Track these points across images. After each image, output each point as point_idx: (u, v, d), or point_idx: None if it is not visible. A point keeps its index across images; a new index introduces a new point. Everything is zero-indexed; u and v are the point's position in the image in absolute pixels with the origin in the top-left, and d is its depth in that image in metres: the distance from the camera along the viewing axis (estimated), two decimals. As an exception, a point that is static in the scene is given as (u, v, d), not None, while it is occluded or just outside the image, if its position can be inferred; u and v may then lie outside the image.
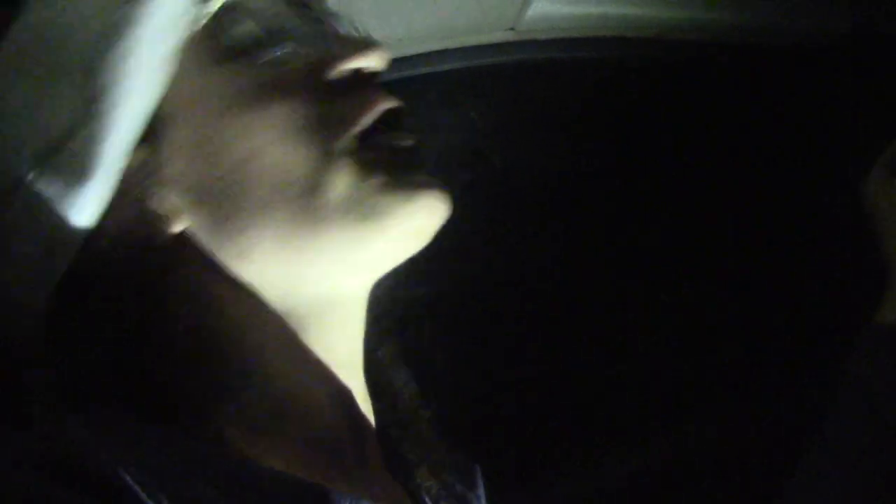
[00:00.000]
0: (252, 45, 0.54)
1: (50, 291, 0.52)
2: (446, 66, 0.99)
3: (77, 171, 0.50)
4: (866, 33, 0.88)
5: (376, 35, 0.61)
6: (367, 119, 0.54)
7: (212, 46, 0.54)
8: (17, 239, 0.51)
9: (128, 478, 0.41)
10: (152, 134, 0.52)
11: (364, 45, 0.56)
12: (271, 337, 0.55)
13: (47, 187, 0.50)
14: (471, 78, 0.99)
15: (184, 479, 0.45)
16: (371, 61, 0.57)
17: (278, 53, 0.55)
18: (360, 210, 0.53)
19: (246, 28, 0.55)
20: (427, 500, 0.64)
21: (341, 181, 0.53)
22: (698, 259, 0.93)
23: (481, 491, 0.72)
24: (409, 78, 0.97)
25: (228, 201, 0.52)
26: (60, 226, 0.50)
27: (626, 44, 0.98)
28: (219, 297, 0.54)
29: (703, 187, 0.93)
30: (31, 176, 0.50)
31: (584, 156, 0.96)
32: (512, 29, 0.98)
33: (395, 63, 0.89)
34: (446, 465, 0.70)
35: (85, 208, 0.50)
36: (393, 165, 0.54)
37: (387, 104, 0.55)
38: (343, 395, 0.60)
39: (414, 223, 0.55)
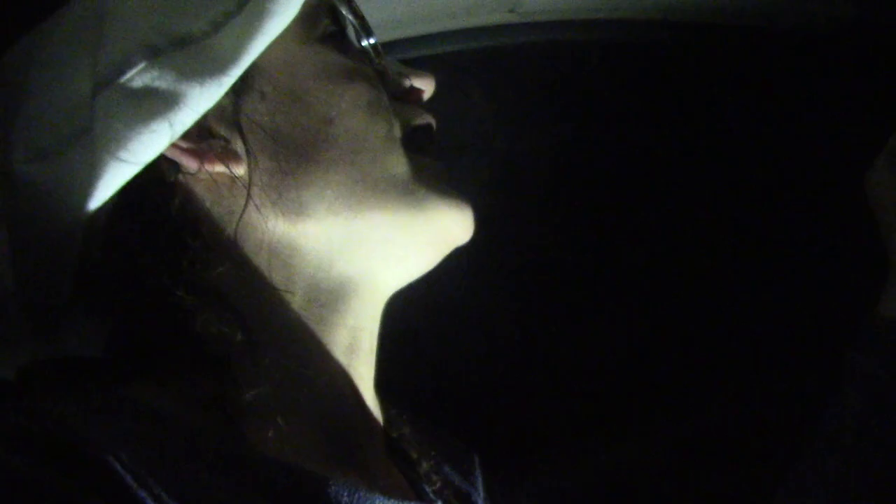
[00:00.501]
0: (345, 36, 0.62)
1: (108, 197, 0.53)
2: (447, 48, 0.98)
3: (211, 62, 0.53)
4: (869, 20, 0.87)
5: (377, 16, 0.66)
6: (419, 125, 0.62)
7: (312, 25, 0.60)
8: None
9: (117, 465, 0.41)
10: (242, 80, 0.55)
11: (424, 73, 0.65)
12: (302, 308, 0.57)
13: (176, 67, 0.52)
14: (472, 60, 0.98)
15: (178, 464, 0.45)
16: (428, 86, 0.65)
17: (366, 46, 0.63)
18: (414, 197, 0.59)
19: (343, 21, 0.62)
20: (429, 491, 0.64)
21: (402, 164, 0.59)
22: (698, 246, 0.92)
23: (479, 479, 0.73)
24: (409, 60, 0.96)
25: (300, 155, 0.56)
26: (167, 111, 0.52)
27: (628, 26, 0.97)
28: (261, 251, 0.56)
29: (704, 170, 0.93)
30: (142, 64, 0.52)
31: (587, 138, 0.95)
32: (512, 11, 0.97)
33: (396, 45, 0.89)
34: (446, 456, 0.71)
35: (193, 105, 0.52)
36: (440, 175, 0.62)
37: (433, 121, 0.64)
38: (355, 386, 0.60)
39: (451, 229, 0.61)
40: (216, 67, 0.53)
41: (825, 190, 0.88)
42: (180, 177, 0.55)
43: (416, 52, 0.97)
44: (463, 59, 0.98)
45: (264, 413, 0.52)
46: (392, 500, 0.54)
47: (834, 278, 0.86)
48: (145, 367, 0.54)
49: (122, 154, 0.52)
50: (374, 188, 0.58)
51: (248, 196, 0.55)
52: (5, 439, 0.41)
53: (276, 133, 0.56)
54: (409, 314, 0.66)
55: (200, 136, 0.55)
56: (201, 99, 0.53)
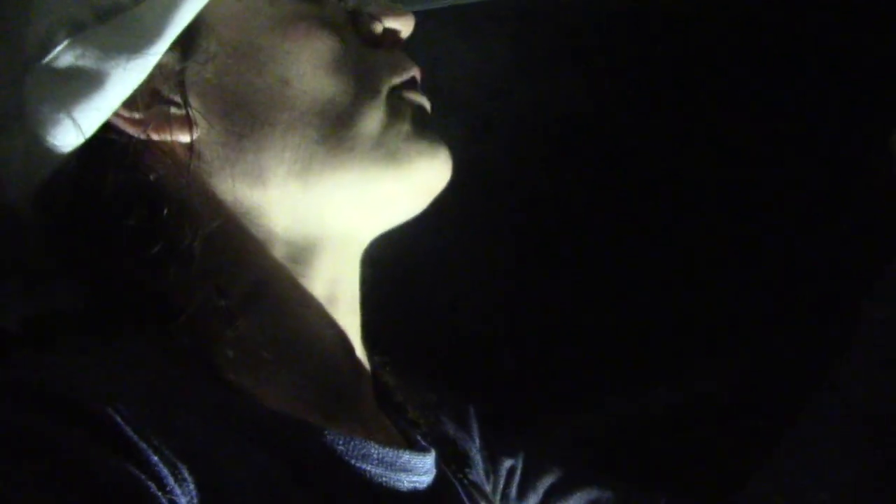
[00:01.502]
0: None
1: (60, 171, 0.53)
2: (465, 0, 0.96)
3: (136, 34, 0.50)
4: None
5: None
6: (400, 78, 0.58)
7: None
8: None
9: (117, 417, 0.41)
10: (188, 40, 0.53)
11: (400, 10, 0.60)
12: (275, 265, 0.56)
13: (101, 43, 0.50)
14: (490, 12, 0.96)
15: (175, 414, 0.45)
16: (404, 26, 0.60)
17: None
18: (385, 150, 0.56)
19: None
20: (419, 438, 0.64)
21: (373, 120, 0.55)
22: (709, 196, 0.90)
23: (475, 429, 0.73)
24: (427, 11, 0.94)
25: (253, 118, 0.54)
26: (93, 91, 0.50)
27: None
28: (225, 213, 0.55)
29: (716, 127, 0.89)
30: (66, 41, 0.50)
31: (603, 92, 0.93)
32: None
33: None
34: (441, 406, 0.71)
35: (119, 82, 0.50)
36: (416, 122, 0.58)
37: (415, 70, 0.59)
38: (342, 336, 0.60)
39: (427, 177, 0.58)
40: (141, 40, 0.51)
41: (842, 143, 0.84)
42: (134, 143, 0.53)
43: (435, 3, 0.95)
44: (482, 10, 0.96)
45: (252, 365, 0.52)
46: (387, 448, 0.54)
47: (851, 228, 0.83)
48: (130, 322, 0.53)
49: (52, 139, 0.51)
50: (337, 149, 0.55)
51: (191, 162, 0.53)
52: (3, 392, 0.41)
53: (225, 95, 0.53)
54: (401, 264, 0.66)
55: (150, 100, 0.53)
56: (127, 77, 0.50)
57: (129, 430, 0.41)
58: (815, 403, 0.74)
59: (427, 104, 0.60)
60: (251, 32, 0.54)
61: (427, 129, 0.59)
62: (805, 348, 0.84)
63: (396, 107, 0.57)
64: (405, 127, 0.57)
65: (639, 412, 0.90)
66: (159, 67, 0.52)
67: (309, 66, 0.55)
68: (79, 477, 0.38)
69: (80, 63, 0.50)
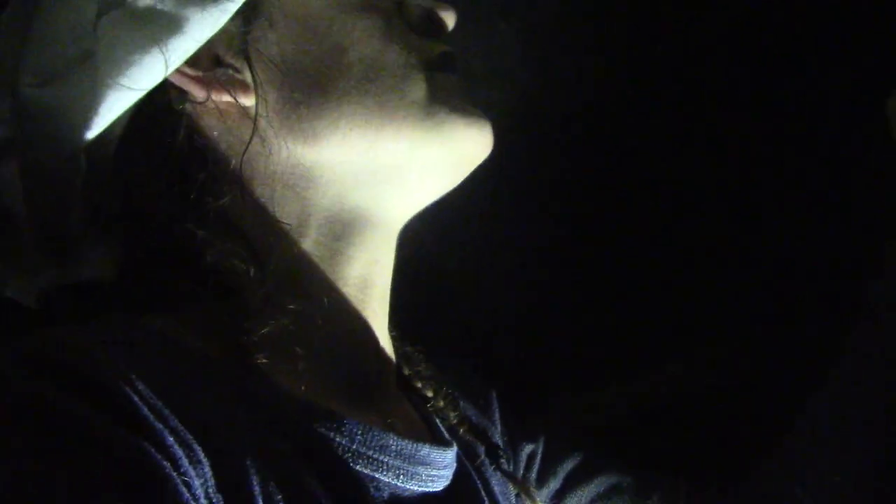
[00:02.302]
0: None
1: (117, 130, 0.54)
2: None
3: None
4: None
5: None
6: (443, 60, 0.60)
7: None
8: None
9: (132, 393, 0.41)
10: (250, 7, 0.54)
11: (445, 5, 0.63)
12: (315, 244, 0.56)
13: (159, 2, 0.51)
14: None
15: (195, 395, 0.45)
16: (448, 19, 0.63)
17: None
18: (434, 119, 0.57)
19: None
20: (443, 429, 0.63)
21: (421, 91, 0.57)
22: (721, 178, 0.89)
23: (496, 414, 0.73)
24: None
25: (312, 84, 0.55)
26: (170, 34, 0.51)
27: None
28: (275, 182, 0.55)
29: (725, 107, 0.88)
30: None
31: (616, 76, 0.91)
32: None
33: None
34: (463, 392, 0.70)
35: (197, 25, 0.51)
36: (462, 96, 0.60)
37: (449, 49, 0.61)
38: (370, 323, 0.60)
39: (471, 145, 0.59)
40: None
41: (845, 116, 0.83)
42: (188, 106, 0.54)
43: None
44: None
45: (278, 348, 0.51)
46: (406, 441, 0.54)
47: (859, 204, 0.83)
48: (159, 297, 0.54)
49: (123, 80, 0.51)
50: (390, 116, 0.56)
51: (255, 127, 0.54)
52: (24, 366, 0.41)
53: (286, 62, 0.55)
54: (425, 249, 0.65)
55: (210, 64, 0.54)
56: (202, 26, 0.52)
57: (144, 409, 0.41)
58: (828, 386, 0.74)
59: (461, 80, 0.62)
60: (311, 4, 0.56)
61: (470, 103, 0.60)
62: (817, 331, 0.84)
63: (442, 81, 0.59)
64: (452, 99, 0.59)
65: (652, 396, 0.90)
66: (222, 32, 0.53)
67: (364, 36, 0.56)
68: (93, 451, 0.37)
69: (159, 8, 0.51)
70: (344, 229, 0.57)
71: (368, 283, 0.59)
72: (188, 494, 0.39)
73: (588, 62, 0.91)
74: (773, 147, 0.88)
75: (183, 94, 0.54)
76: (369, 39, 0.56)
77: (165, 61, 0.51)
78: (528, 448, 0.73)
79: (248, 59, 0.55)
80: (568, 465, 0.73)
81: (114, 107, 0.52)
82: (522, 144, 0.82)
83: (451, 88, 0.60)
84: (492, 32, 0.89)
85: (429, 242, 0.64)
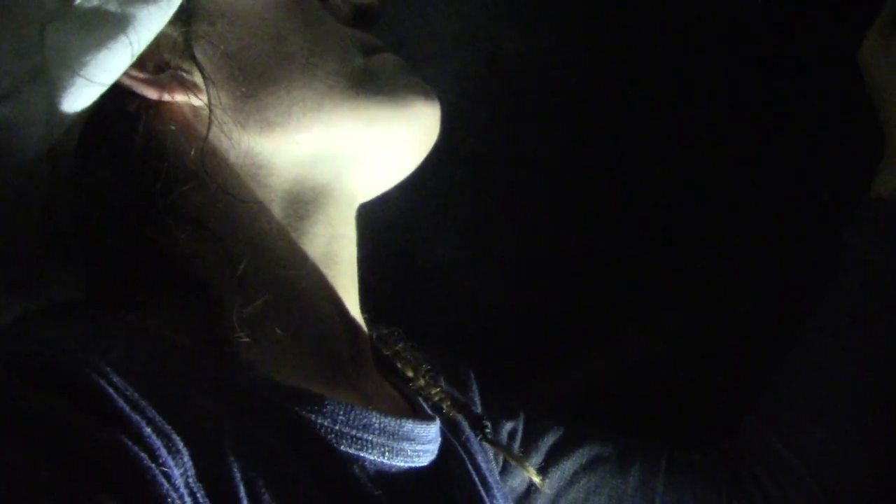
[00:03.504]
0: None
1: (70, 136, 0.53)
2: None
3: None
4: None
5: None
6: (374, 46, 0.62)
7: None
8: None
9: (105, 385, 0.39)
10: (188, 8, 0.55)
11: None
12: (277, 228, 0.56)
13: (106, 2, 0.51)
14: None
15: (172, 385, 0.44)
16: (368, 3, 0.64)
17: None
18: (383, 92, 0.58)
19: None
20: (426, 406, 0.63)
21: (367, 68, 0.59)
22: (704, 135, 0.88)
23: (476, 393, 0.72)
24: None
25: (259, 75, 0.56)
26: (118, 34, 0.51)
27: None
28: (233, 175, 0.56)
29: (711, 65, 0.88)
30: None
31: (589, 44, 0.90)
32: None
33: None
34: (443, 372, 0.70)
35: (145, 22, 0.51)
36: (405, 69, 0.61)
37: (378, 42, 0.63)
38: (340, 299, 0.59)
39: (424, 119, 0.61)
40: None
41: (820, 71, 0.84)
42: (142, 108, 0.54)
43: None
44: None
45: (253, 330, 0.51)
46: (388, 417, 0.54)
47: (831, 156, 0.84)
48: (130, 300, 0.53)
49: (82, 74, 0.50)
50: (341, 96, 0.57)
51: (210, 122, 0.54)
52: None
53: (230, 57, 0.56)
54: (393, 231, 0.64)
55: (157, 69, 0.55)
56: (152, 18, 0.51)
57: (119, 401, 0.40)
58: (805, 342, 0.75)
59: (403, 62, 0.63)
60: (243, 1, 0.57)
61: (418, 77, 0.62)
62: (790, 287, 0.85)
63: (384, 60, 0.61)
64: (400, 74, 0.61)
65: (626, 360, 0.89)
66: (164, 36, 0.54)
67: (300, 24, 0.58)
68: (67, 446, 0.36)
69: (106, 8, 0.51)
70: (306, 208, 0.58)
71: (333, 258, 0.59)
72: (168, 485, 0.38)
73: (575, 33, 0.90)
74: (765, 138, 0.88)
75: (134, 97, 0.54)
76: (305, 27, 0.58)
77: (129, 52, 0.51)
78: (509, 425, 0.72)
79: (194, 59, 0.55)
80: (549, 440, 0.73)
81: (73, 107, 0.51)
82: (496, 120, 0.81)
83: (395, 65, 0.61)
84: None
85: (414, 230, 0.63)
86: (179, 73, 0.55)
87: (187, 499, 0.39)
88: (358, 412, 0.52)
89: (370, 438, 0.52)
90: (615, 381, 0.89)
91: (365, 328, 0.62)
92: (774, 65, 0.86)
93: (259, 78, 0.56)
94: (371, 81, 0.59)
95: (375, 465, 0.52)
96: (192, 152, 0.54)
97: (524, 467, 0.67)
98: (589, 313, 0.88)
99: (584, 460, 0.73)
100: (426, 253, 0.83)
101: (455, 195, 0.75)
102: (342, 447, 0.51)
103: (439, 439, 0.59)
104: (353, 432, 0.51)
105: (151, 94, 0.54)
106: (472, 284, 0.87)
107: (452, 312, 0.87)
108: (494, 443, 0.66)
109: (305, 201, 0.58)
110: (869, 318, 0.71)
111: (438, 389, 0.65)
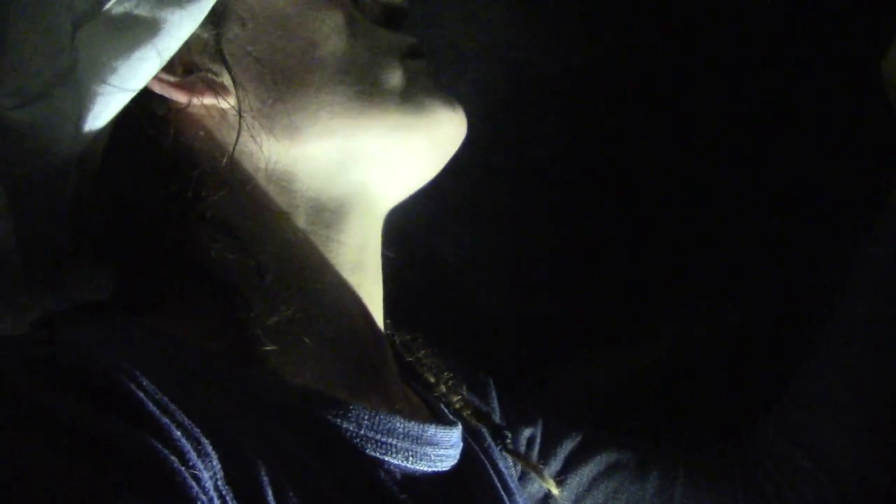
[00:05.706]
0: None
1: (99, 142, 0.54)
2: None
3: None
4: None
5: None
6: (409, 47, 0.62)
7: None
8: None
9: (135, 389, 0.40)
10: (220, 11, 0.55)
11: None
12: (303, 235, 0.57)
13: (136, 7, 0.51)
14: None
15: (200, 389, 0.45)
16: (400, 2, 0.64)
17: None
18: (411, 103, 0.59)
19: None
20: (448, 412, 0.63)
21: (395, 77, 0.59)
22: (714, 143, 0.88)
23: (495, 401, 0.73)
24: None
25: (288, 80, 0.56)
26: (150, 38, 0.51)
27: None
28: (259, 180, 0.56)
29: (720, 73, 0.88)
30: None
31: (602, 52, 0.90)
32: None
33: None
34: (464, 380, 0.70)
35: (176, 27, 0.52)
36: (433, 79, 0.62)
37: (414, 40, 0.63)
38: (366, 307, 0.60)
39: (448, 129, 0.61)
40: None
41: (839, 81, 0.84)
42: (171, 111, 0.55)
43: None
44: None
45: (280, 338, 0.51)
46: (412, 422, 0.54)
47: (853, 164, 0.83)
48: (158, 302, 0.54)
49: (112, 81, 0.51)
50: (368, 103, 0.57)
51: (240, 125, 0.55)
52: (24, 368, 0.39)
53: (261, 60, 0.56)
54: (392, 233, 0.64)
55: (186, 71, 0.55)
56: (183, 23, 0.52)
57: (149, 404, 0.40)
58: (823, 346, 0.74)
59: (431, 66, 0.64)
60: (275, 3, 0.57)
61: (442, 88, 0.62)
62: (809, 290, 0.84)
63: (415, 67, 0.61)
64: (428, 83, 0.61)
65: (645, 361, 0.89)
66: (195, 38, 0.54)
67: (333, 29, 0.58)
68: (98, 450, 0.36)
69: (136, 12, 0.51)
70: (332, 217, 0.58)
71: (361, 266, 0.59)
72: (197, 488, 0.38)
73: (580, 38, 0.90)
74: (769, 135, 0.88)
75: (163, 100, 0.55)
76: (339, 33, 0.58)
77: (159, 60, 0.52)
78: (527, 432, 0.73)
79: (224, 62, 0.55)
80: (567, 447, 0.73)
81: (103, 112, 0.52)
82: (512, 129, 0.81)
83: (424, 74, 0.61)
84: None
85: (425, 233, 0.63)
86: (208, 75, 0.55)
87: (216, 501, 0.39)
88: (382, 417, 0.52)
89: (394, 443, 0.53)
90: (615, 381, 0.89)
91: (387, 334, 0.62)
92: (775, 65, 0.86)
93: (288, 81, 0.56)
94: (400, 91, 0.59)
95: (400, 469, 0.53)
96: (224, 160, 0.55)
97: (543, 478, 0.67)
98: (589, 314, 0.88)
99: (602, 467, 0.73)
100: (431, 254, 0.83)
101: (458, 197, 0.75)
102: (367, 451, 0.51)
103: (461, 444, 0.59)
104: (378, 437, 0.52)
105: (181, 97, 0.54)
106: (473, 285, 0.87)
107: (453, 313, 0.87)
108: (515, 453, 0.67)
109: (331, 209, 0.58)
110: (889, 323, 0.71)
111: (459, 397, 0.66)
